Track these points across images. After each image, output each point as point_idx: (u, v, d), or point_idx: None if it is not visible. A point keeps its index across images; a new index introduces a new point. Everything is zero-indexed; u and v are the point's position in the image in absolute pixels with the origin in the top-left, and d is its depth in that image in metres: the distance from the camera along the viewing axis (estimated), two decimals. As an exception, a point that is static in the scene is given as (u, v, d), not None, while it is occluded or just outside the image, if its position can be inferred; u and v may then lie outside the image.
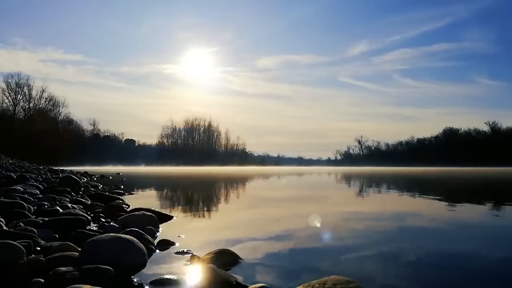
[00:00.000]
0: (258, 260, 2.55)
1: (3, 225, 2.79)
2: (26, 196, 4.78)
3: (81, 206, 4.51)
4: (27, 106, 56.70)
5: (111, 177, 17.25)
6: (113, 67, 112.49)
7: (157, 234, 3.39)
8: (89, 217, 3.65)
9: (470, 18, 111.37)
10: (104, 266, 1.86)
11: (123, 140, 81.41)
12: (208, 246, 2.81)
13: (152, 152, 78.61)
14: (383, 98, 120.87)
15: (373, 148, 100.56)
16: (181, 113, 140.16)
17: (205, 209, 6.05)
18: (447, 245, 3.14)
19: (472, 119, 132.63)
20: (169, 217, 4.35)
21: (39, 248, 2.42)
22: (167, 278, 2.05)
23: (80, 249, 2.16)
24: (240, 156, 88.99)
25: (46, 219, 3.28)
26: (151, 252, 2.65)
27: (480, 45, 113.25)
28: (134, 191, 9.41)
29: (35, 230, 2.72)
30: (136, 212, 3.80)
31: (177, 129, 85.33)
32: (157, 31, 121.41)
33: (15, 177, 8.34)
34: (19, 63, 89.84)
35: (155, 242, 2.98)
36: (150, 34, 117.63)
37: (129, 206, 5.14)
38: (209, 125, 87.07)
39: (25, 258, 2.04)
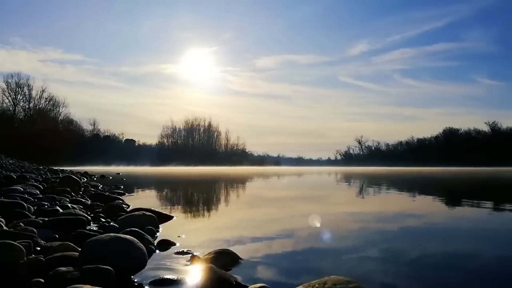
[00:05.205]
0: (258, 260, 2.55)
1: (3, 225, 2.79)
2: (26, 196, 4.79)
3: (81, 206, 4.52)
4: (27, 106, 56.82)
5: (111, 177, 17.26)
6: (112, 67, 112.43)
7: (157, 234, 3.39)
8: (89, 217, 3.65)
9: (470, 17, 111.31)
10: (104, 266, 1.86)
11: (123, 140, 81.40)
12: (208, 246, 2.81)
13: (152, 152, 78.55)
14: (383, 98, 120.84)
15: (373, 148, 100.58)
16: (181, 113, 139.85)
17: (205, 209, 6.05)
18: (447, 245, 3.14)
19: (472, 119, 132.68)
20: (169, 217, 4.35)
21: (39, 248, 2.42)
22: (167, 278, 2.05)
23: (80, 249, 2.15)
24: (240, 156, 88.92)
25: (46, 219, 3.28)
26: (151, 252, 2.65)
27: (480, 44, 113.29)
28: (134, 191, 9.42)
29: (35, 230, 2.72)
30: (136, 212, 3.80)
31: (177, 129, 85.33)
32: (157, 31, 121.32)
33: (15, 177, 8.34)
34: (19, 63, 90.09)
35: (155, 242, 2.98)
36: (149, 34, 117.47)
37: (129, 206, 5.14)
38: (209, 125, 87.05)
39: (25, 258, 2.04)
